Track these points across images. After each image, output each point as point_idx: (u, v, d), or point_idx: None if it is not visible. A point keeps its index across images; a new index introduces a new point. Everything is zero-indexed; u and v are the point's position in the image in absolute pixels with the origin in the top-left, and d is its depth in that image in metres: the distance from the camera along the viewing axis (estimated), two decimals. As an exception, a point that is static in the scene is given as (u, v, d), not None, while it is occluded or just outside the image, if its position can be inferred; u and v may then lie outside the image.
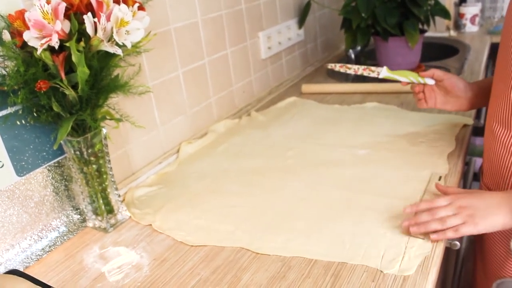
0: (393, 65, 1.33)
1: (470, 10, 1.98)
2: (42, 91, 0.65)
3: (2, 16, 0.65)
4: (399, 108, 1.21)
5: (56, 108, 0.68)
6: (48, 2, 0.61)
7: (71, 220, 0.82)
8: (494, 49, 1.75)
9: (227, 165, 0.99)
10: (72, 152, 0.75)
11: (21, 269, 0.71)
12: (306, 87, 1.43)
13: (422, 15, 1.38)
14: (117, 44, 0.67)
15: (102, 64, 0.70)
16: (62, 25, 0.62)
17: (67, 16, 0.64)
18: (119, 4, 0.66)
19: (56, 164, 0.79)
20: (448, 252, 0.94)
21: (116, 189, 0.82)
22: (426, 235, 0.68)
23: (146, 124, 0.98)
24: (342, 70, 0.99)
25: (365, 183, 0.86)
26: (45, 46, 0.61)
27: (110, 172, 0.80)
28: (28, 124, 0.73)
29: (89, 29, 0.64)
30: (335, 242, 0.70)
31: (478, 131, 1.16)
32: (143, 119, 0.98)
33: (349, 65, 0.99)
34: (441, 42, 1.88)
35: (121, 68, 0.76)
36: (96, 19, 0.64)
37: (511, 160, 0.75)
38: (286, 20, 1.50)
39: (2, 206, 0.71)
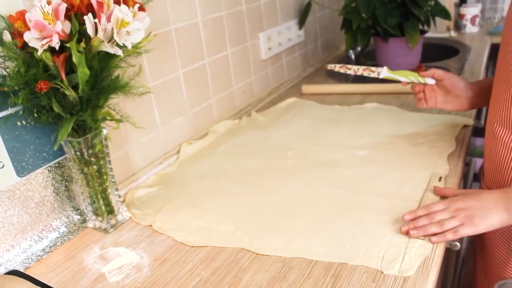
0: (393, 65, 1.32)
1: (470, 11, 1.98)
2: (42, 92, 0.65)
3: (2, 16, 0.65)
4: (399, 108, 1.21)
5: (56, 108, 0.68)
6: (48, 3, 0.61)
7: (72, 221, 0.82)
8: (494, 50, 1.75)
9: (227, 166, 0.99)
10: (73, 152, 0.75)
11: (22, 270, 0.71)
12: (306, 88, 1.43)
13: (422, 16, 1.38)
14: (117, 45, 0.67)
15: (102, 64, 0.70)
16: (62, 26, 0.62)
17: (67, 16, 0.64)
18: (119, 4, 0.66)
19: (56, 165, 0.79)
20: (448, 252, 0.94)
21: (117, 189, 0.82)
22: (426, 236, 0.68)
23: (146, 125, 0.99)
24: (342, 70, 0.99)
25: (365, 183, 0.86)
26: (45, 46, 0.61)
27: (111, 173, 0.80)
28: (28, 125, 0.73)
29: (90, 30, 0.64)
30: (335, 242, 0.70)
31: (478, 131, 1.16)
32: (144, 120, 0.98)
33: (349, 66, 0.98)
34: (441, 43, 1.88)
35: (121, 68, 0.76)
36: (96, 20, 0.64)
37: (512, 160, 0.75)
38: (286, 21, 1.50)
39: (3, 206, 0.71)
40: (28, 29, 0.62)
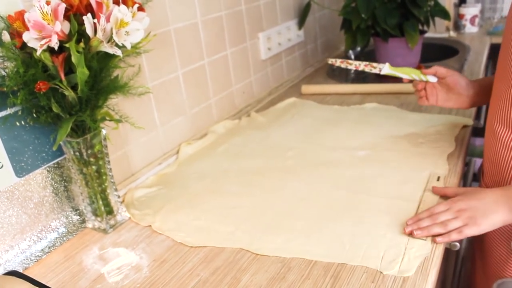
0: (393, 66, 1.32)
1: (470, 11, 1.98)
2: (41, 92, 0.65)
3: (1, 17, 0.65)
4: (399, 108, 1.21)
5: (55, 109, 0.68)
6: (47, 3, 0.61)
7: (71, 221, 0.82)
8: (493, 50, 1.75)
9: (227, 166, 0.99)
10: (72, 153, 0.75)
11: (21, 270, 0.71)
12: (306, 88, 1.43)
13: (422, 16, 1.38)
14: (116, 45, 0.67)
15: (101, 65, 0.70)
16: (61, 26, 0.62)
17: (66, 17, 0.64)
18: (118, 5, 0.66)
19: (55, 165, 0.79)
20: (448, 252, 0.94)
21: (116, 190, 0.82)
22: (429, 237, 0.68)
23: (145, 125, 0.98)
24: (343, 65, 0.98)
25: (365, 183, 0.86)
26: (44, 47, 0.61)
27: (110, 173, 0.80)
28: (27, 125, 0.73)
29: (89, 30, 0.64)
30: (335, 242, 0.70)
31: (478, 131, 1.16)
32: (143, 120, 0.98)
33: (350, 61, 0.98)
34: (441, 43, 1.88)
35: (120, 69, 0.76)
36: (95, 20, 0.64)
37: (512, 160, 0.75)
38: (286, 21, 1.50)
39: (1, 207, 0.71)
40: (27, 29, 0.62)
